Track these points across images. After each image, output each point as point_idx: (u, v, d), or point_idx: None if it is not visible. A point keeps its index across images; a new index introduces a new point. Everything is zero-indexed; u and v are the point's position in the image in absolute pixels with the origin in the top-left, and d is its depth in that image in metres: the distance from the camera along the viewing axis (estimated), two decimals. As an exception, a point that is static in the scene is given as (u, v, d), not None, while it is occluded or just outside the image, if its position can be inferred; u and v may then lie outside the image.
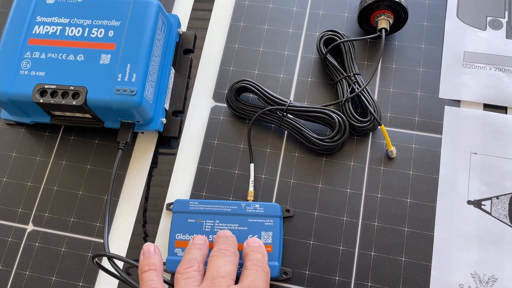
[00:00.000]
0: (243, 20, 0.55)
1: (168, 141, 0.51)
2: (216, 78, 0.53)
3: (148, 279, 0.37)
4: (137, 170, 0.50)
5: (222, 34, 0.55)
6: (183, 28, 0.56)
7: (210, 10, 0.57)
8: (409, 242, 0.45)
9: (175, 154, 0.51)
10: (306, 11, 0.55)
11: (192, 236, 0.44)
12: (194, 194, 0.48)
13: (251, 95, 0.52)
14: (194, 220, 0.45)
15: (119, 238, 0.47)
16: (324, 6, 0.55)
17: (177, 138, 0.51)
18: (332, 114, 0.47)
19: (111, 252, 0.42)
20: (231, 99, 0.50)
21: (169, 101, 0.51)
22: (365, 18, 0.51)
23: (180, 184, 0.49)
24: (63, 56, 0.46)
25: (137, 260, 0.40)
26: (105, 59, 0.45)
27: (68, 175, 0.50)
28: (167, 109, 0.51)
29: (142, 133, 0.51)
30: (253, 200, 0.47)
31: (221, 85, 0.53)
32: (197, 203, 0.46)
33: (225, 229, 0.44)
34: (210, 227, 0.45)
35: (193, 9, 0.57)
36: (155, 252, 0.39)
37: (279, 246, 0.44)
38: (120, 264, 0.46)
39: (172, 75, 0.52)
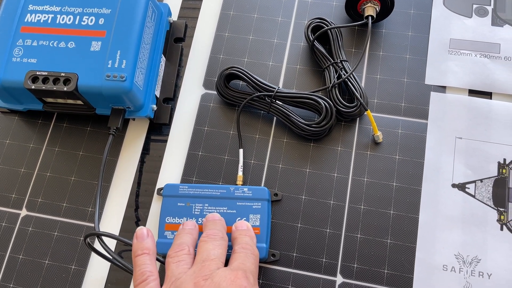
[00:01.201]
0: (233, 8, 0.56)
1: (159, 128, 0.52)
2: (207, 66, 0.54)
3: (141, 263, 0.38)
4: (129, 156, 0.51)
5: (212, 23, 0.56)
6: (174, 17, 0.56)
7: (201, -1, 0.58)
8: (395, 225, 0.46)
9: (166, 141, 0.52)
10: (295, 0, 0.56)
11: (182, 220, 0.45)
12: (185, 179, 0.49)
13: (241, 82, 0.53)
14: (183, 204, 0.46)
15: (111, 222, 0.48)
16: (313, -6, 0.56)
17: (168, 125, 0.52)
18: (319, 99, 0.47)
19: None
20: (221, 86, 0.51)
21: (160, 88, 0.52)
22: (352, 6, 0.52)
23: (171, 170, 0.50)
24: (55, 43, 0.47)
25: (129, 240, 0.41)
26: (95, 46, 0.46)
27: (61, 162, 0.51)
28: (158, 96, 0.52)
29: (133, 119, 0.52)
30: (242, 184, 0.48)
31: (211, 73, 0.54)
32: (186, 187, 0.47)
33: (214, 212, 0.45)
34: (199, 210, 0.46)
35: (184, -1, 0.58)
36: (148, 236, 0.40)
37: (267, 229, 0.45)
38: (112, 248, 0.47)
39: (163, 63, 0.53)
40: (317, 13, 0.55)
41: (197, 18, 0.56)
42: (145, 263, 0.38)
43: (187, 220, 0.45)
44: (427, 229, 0.46)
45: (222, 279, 0.36)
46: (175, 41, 0.55)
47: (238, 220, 0.45)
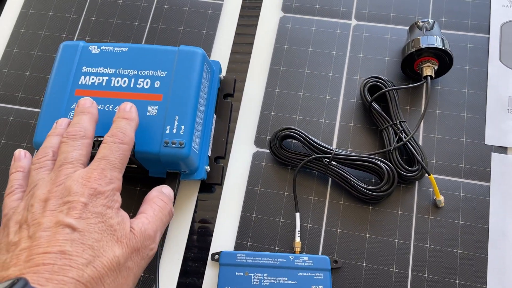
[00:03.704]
0: (283, 64, 0.55)
1: (210, 188, 0.51)
2: (257, 123, 0.53)
3: (13, 179, 0.37)
4: (180, 218, 0.50)
5: (262, 78, 0.55)
6: (223, 72, 0.56)
7: (249, 53, 0.57)
8: (462, 295, 0.44)
9: (218, 201, 0.50)
10: (346, 55, 0.55)
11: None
12: (239, 243, 0.48)
13: (293, 140, 0.51)
14: (242, 273, 0.45)
15: (164, 290, 0.47)
16: (364, 49, 0.55)
17: (220, 184, 0.51)
18: (380, 163, 0.46)
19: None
20: (276, 147, 0.49)
21: (211, 147, 0.51)
22: (408, 65, 0.51)
23: (225, 232, 0.49)
24: (110, 107, 0.46)
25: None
26: (152, 110, 0.45)
27: (111, 224, 0.50)
28: (210, 155, 0.51)
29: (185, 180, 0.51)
30: (300, 251, 0.46)
31: (262, 130, 0.53)
32: (244, 255, 0.45)
33: (274, 283, 0.44)
34: (258, 280, 0.44)
35: (232, 53, 0.57)
36: (25, 157, 0.39)
37: (329, 301, 0.43)
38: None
39: (214, 121, 0.52)
40: (369, 69, 0.54)
41: (246, 72, 0.56)
42: (16, 179, 0.37)
43: (246, 291, 0.44)
44: (496, 300, 0.44)
45: (73, 183, 0.32)
46: (225, 97, 0.54)
47: None
